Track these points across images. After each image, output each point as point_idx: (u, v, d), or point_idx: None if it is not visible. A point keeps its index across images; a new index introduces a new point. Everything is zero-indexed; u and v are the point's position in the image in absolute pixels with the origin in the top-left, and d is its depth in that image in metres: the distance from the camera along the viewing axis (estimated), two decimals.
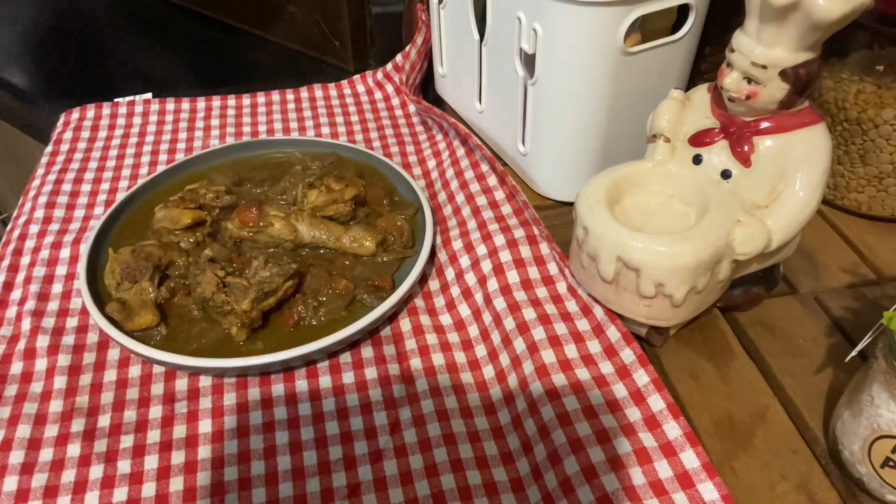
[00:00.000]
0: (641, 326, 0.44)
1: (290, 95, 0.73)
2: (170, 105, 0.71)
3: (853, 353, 0.38)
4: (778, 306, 0.48)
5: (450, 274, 0.51)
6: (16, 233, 0.55)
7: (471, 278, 0.49)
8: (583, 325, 0.45)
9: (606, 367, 0.42)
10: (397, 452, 0.40)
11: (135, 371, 0.45)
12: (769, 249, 0.41)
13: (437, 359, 0.45)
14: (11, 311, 0.49)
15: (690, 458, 0.37)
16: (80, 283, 0.47)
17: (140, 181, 0.57)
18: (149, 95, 0.73)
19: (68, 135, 0.67)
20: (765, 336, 0.46)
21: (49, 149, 0.65)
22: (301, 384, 0.44)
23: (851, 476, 0.38)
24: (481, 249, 0.50)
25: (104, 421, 0.42)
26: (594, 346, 0.44)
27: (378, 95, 0.73)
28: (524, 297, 0.47)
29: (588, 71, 0.50)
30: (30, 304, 0.48)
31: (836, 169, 0.54)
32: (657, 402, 0.40)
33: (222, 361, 0.43)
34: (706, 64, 0.59)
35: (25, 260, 0.53)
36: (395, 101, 0.72)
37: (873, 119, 0.50)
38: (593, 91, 0.51)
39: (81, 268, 0.48)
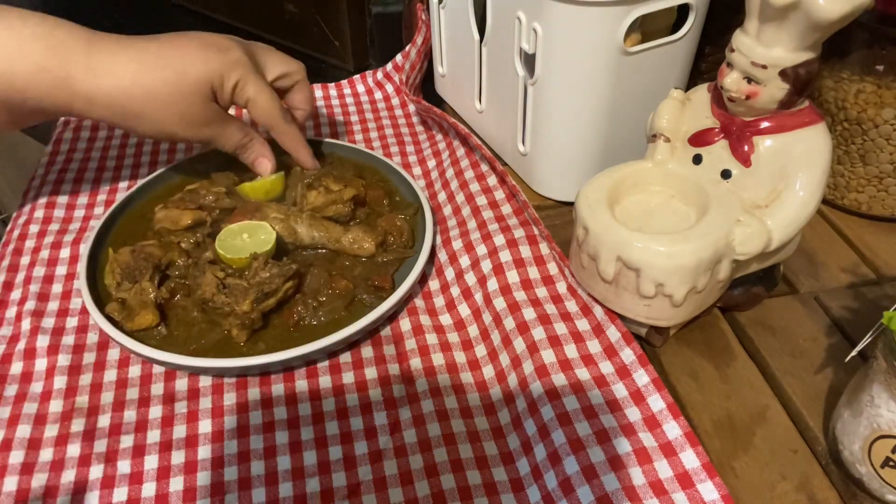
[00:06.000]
0: (641, 326, 0.44)
1: None
2: None
3: (853, 353, 0.38)
4: (778, 306, 0.48)
5: (450, 274, 0.51)
6: (16, 233, 0.55)
7: (471, 278, 0.49)
8: (583, 325, 0.45)
9: (606, 367, 0.42)
10: (397, 452, 0.40)
11: (135, 371, 0.45)
12: (769, 249, 0.41)
13: (437, 359, 0.45)
14: (11, 311, 0.49)
15: (690, 458, 0.37)
16: (80, 283, 0.47)
17: (140, 181, 0.57)
18: None
19: (68, 135, 0.67)
20: (765, 336, 0.46)
21: (49, 149, 0.65)
22: (301, 384, 0.44)
23: (851, 476, 0.38)
24: (481, 249, 0.50)
25: (104, 421, 0.42)
26: (594, 346, 0.44)
27: (378, 95, 0.73)
28: (524, 296, 0.47)
29: (588, 71, 0.50)
30: (30, 304, 0.48)
31: (836, 169, 0.54)
32: (657, 402, 0.40)
33: (222, 361, 0.43)
34: (706, 64, 0.59)
35: (25, 260, 0.53)
36: (395, 101, 0.72)
37: (873, 119, 0.50)
38: (593, 91, 0.51)
39: (81, 268, 0.48)
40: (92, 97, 0.46)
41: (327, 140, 0.62)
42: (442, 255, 0.52)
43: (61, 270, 0.52)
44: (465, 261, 0.50)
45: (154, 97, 0.48)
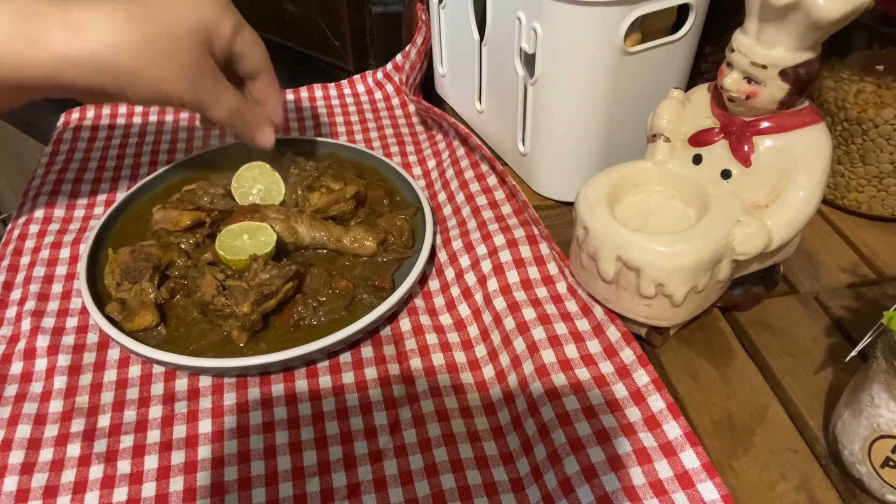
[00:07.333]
0: (641, 326, 0.44)
1: (290, 95, 0.73)
2: None
3: (853, 353, 0.38)
4: (778, 306, 0.48)
5: (450, 274, 0.51)
6: (16, 233, 0.55)
7: (471, 278, 0.49)
8: (583, 325, 0.45)
9: (606, 367, 0.42)
10: (397, 452, 0.40)
11: (135, 371, 0.45)
12: (769, 249, 0.41)
13: (437, 359, 0.45)
14: (11, 311, 0.49)
15: (690, 458, 0.37)
16: (80, 283, 0.47)
17: (140, 181, 0.57)
18: None
19: (68, 135, 0.67)
20: (765, 336, 0.46)
21: (49, 149, 0.65)
22: (301, 384, 0.44)
23: (851, 476, 0.38)
24: (481, 249, 0.50)
25: (104, 421, 0.42)
26: (594, 346, 0.44)
27: (378, 95, 0.73)
28: (524, 296, 0.47)
29: (588, 71, 0.50)
30: (30, 304, 0.48)
31: (836, 169, 0.54)
32: (657, 402, 0.40)
33: (222, 361, 0.43)
34: (706, 64, 0.59)
35: (25, 260, 0.53)
36: (395, 101, 0.72)
37: (873, 119, 0.50)
38: (593, 91, 0.51)
39: (81, 268, 0.48)
40: (74, 59, 0.41)
41: (327, 140, 0.62)
42: (442, 255, 0.52)
43: (61, 270, 0.52)
44: (465, 261, 0.50)
45: (149, 49, 0.42)
